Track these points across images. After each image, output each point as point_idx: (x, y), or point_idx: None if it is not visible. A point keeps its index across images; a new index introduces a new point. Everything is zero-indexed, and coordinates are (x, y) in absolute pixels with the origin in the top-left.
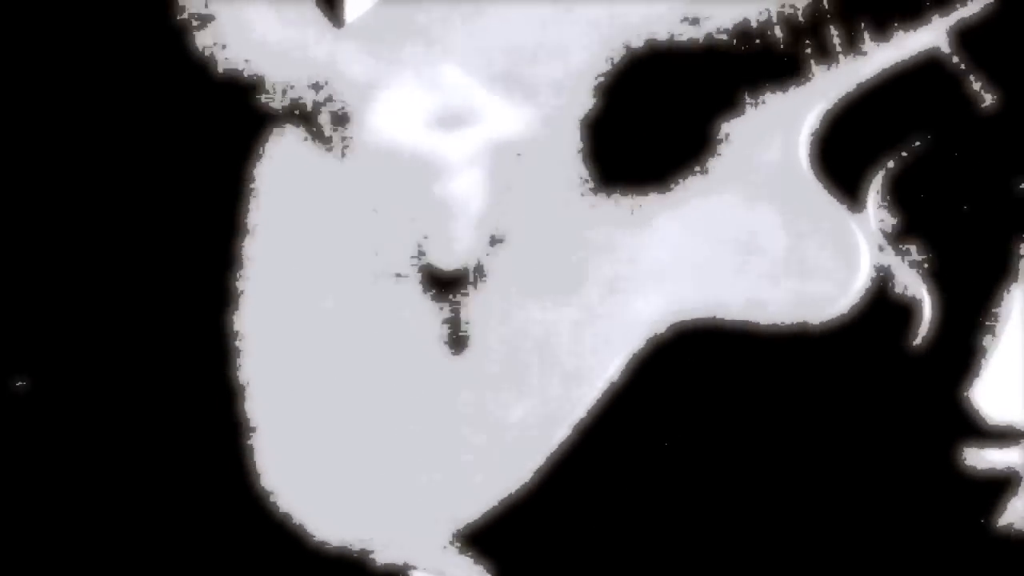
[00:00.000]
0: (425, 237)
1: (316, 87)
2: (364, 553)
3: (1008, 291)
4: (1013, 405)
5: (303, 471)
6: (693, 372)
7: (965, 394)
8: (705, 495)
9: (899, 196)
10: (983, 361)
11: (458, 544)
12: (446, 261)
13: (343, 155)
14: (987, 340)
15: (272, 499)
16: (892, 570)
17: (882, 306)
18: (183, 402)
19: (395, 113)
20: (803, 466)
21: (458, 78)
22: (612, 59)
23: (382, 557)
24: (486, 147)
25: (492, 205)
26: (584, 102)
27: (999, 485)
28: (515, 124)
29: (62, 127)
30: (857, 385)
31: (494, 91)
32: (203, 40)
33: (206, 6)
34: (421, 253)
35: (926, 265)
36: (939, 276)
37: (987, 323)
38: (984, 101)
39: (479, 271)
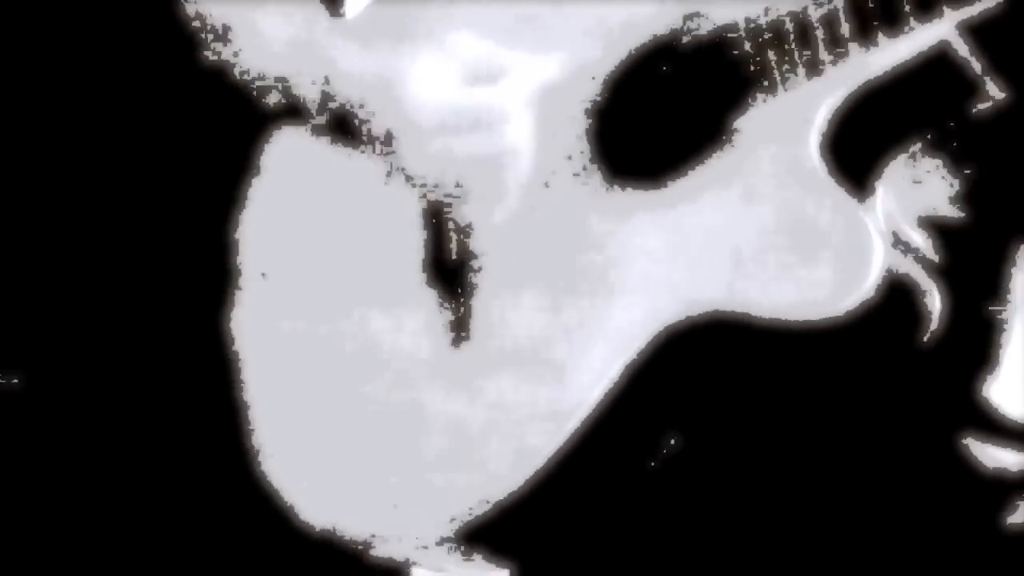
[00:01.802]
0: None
1: (321, 83)
2: (366, 549)
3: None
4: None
5: (305, 469)
6: (703, 368)
7: (980, 392)
8: (712, 493)
9: (908, 189)
10: (998, 359)
11: (459, 541)
12: (491, 217)
13: (346, 152)
14: (1001, 338)
15: (275, 496)
16: (902, 566)
17: (893, 302)
18: (184, 400)
19: (424, 86)
20: (812, 463)
21: (471, 41)
22: (620, 55)
23: (383, 553)
24: (522, 96)
25: (541, 151)
26: (587, 105)
27: (1010, 484)
28: (541, 70)
29: (62, 128)
30: (867, 382)
31: (510, 47)
32: (208, 40)
33: (210, 6)
34: (425, 248)
35: (936, 261)
36: (951, 273)
37: (1000, 321)
38: (994, 96)
39: (483, 268)
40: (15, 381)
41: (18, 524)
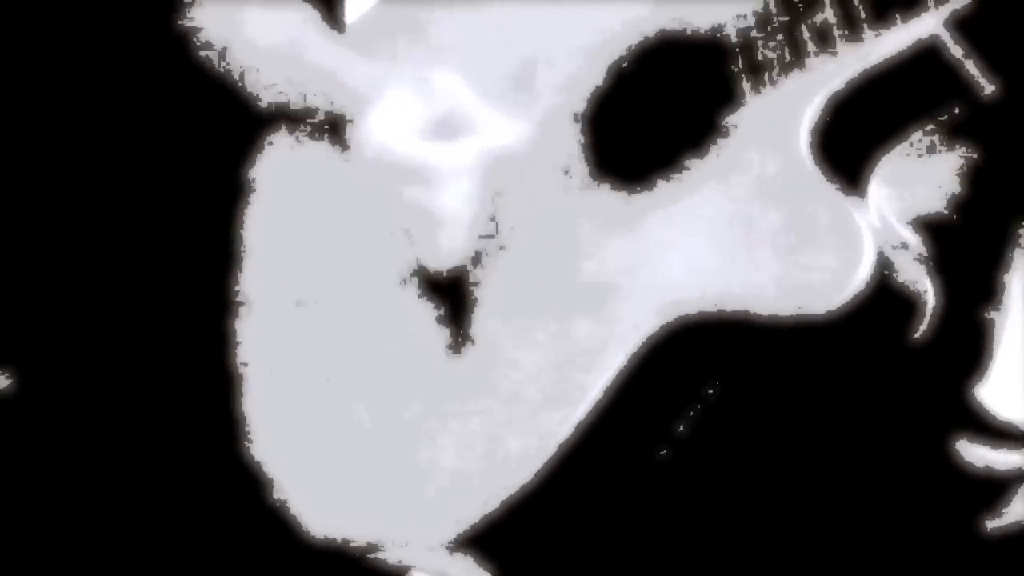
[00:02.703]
0: (415, 243)
1: (314, 90)
2: (366, 553)
3: (1010, 286)
4: (1016, 404)
5: (305, 472)
6: (696, 366)
7: (970, 391)
8: (707, 491)
9: (901, 186)
10: (989, 359)
11: (459, 545)
12: (437, 266)
13: (340, 158)
14: (993, 337)
15: (276, 499)
16: (892, 567)
17: (885, 299)
18: (184, 403)
19: (392, 119)
20: (804, 461)
21: (457, 87)
22: (609, 56)
23: (384, 557)
24: (480, 158)
25: (484, 212)
26: (579, 105)
27: (1000, 485)
28: (509, 135)
29: (61, 130)
30: (859, 379)
31: (491, 101)
32: (203, 43)
33: (205, 10)
34: (418, 256)
35: (928, 257)
36: (944, 270)
37: (992, 320)
38: (984, 89)
39: (477, 273)
40: (9, 380)
41: (17, 525)
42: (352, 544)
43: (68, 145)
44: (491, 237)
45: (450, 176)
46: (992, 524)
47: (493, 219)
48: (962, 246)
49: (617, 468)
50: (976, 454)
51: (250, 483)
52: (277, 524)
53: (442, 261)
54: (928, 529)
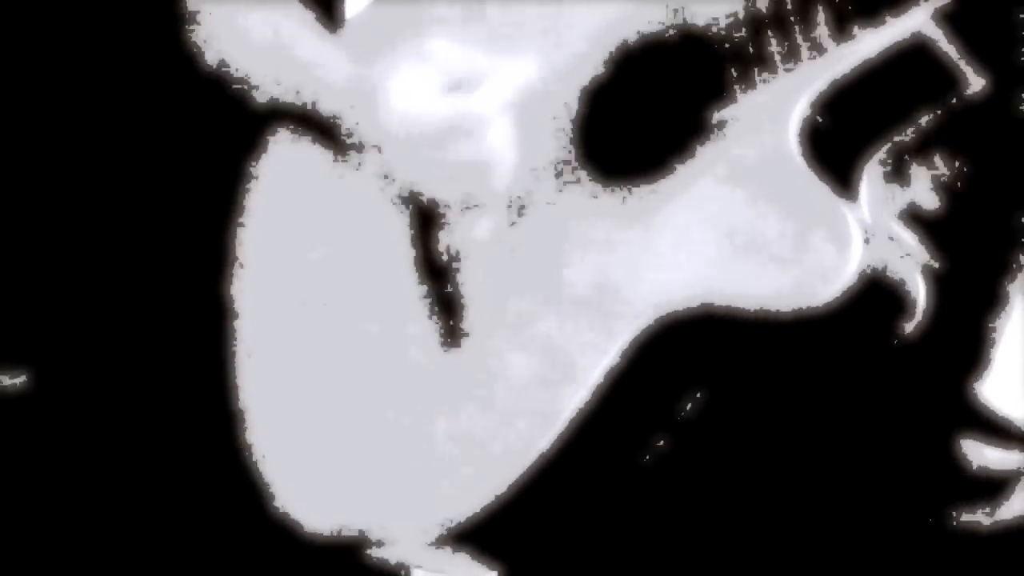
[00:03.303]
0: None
1: (311, 88)
2: (364, 551)
3: (1012, 285)
4: (1016, 401)
5: (301, 470)
6: (691, 364)
7: (970, 390)
8: (705, 488)
9: (892, 183)
10: (989, 356)
11: (455, 541)
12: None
13: (338, 155)
14: (993, 335)
15: (272, 497)
16: (892, 564)
17: (880, 296)
18: (182, 401)
19: (406, 94)
20: (803, 458)
21: (450, 48)
22: (604, 54)
23: (381, 554)
24: (502, 101)
25: (527, 152)
26: (572, 96)
27: (999, 482)
28: (520, 75)
29: (61, 130)
30: (855, 376)
31: (492, 51)
32: (203, 42)
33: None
34: (417, 253)
35: (921, 254)
36: (942, 268)
37: (992, 318)
38: (972, 86)
39: (475, 267)
40: (20, 380)
41: (18, 525)
42: (348, 541)
43: (67, 146)
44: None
45: (483, 121)
46: (992, 521)
47: (532, 163)
48: (959, 243)
49: (613, 463)
50: (976, 451)
51: (247, 480)
52: (275, 522)
53: (487, 217)
54: (928, 526)
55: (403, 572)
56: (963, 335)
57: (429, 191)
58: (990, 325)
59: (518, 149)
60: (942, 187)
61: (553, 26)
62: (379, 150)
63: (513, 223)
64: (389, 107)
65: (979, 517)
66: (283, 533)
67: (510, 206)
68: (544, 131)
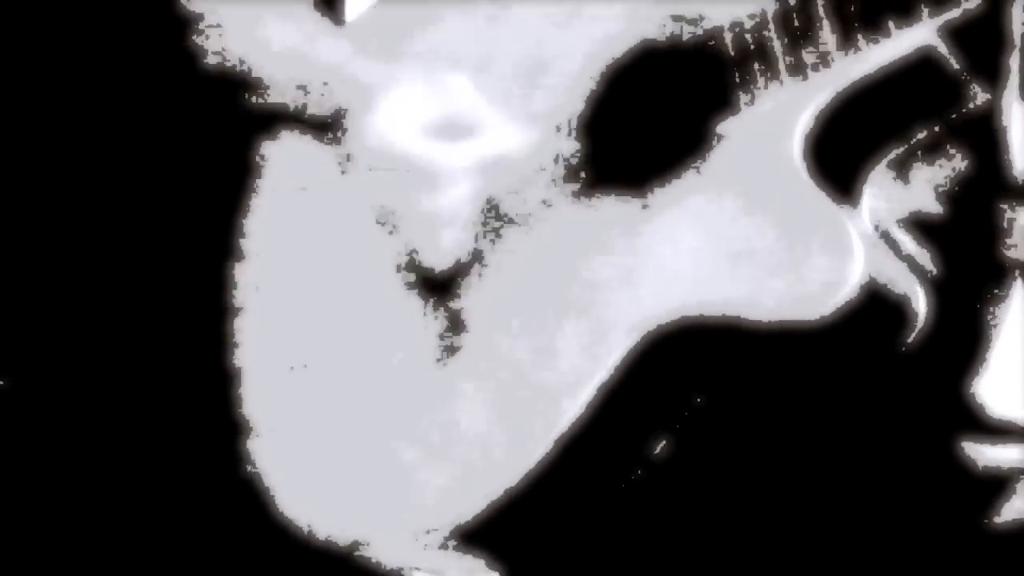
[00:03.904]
0: (411, 241)
1: (317, 88)
2: (363, 553)
3: (1008, 287)
4: (1014, 401)
5: (301, 471)
6: (689, 372)
7: (968, 389)
8: (701, 496)
9: (894, 193)
10: (986, 357)
11: (455, 542)
12: (435, 265)
13: (341, 156)
14: (990, 336)
15: (271, 499)
16: (893, 565)
17: (879, 303)
18: (183, 403)
19: (398, 116)
20: (804, 460)
21: (463, 87)
22: (607, 63)
23: (381, 557)
24: (482, 160)
25: (481, 215)
26: (579, 108)
27: (999, 482)
28: (512, 139)
29: (64, 129)
30: (854, 382)
31: (493, 102)
32: (206, 41)
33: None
34: (414, 256)
35: (923, 261)
36: (939, 271)
37: (989, 319)
38: (977, 98)
39: (473, 274)
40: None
41: (13, 526)
42: (345, 544)
43: (69, 147)
44: (489, 239)
45: (450, 176)
46: (993, 521)
47: (490, 223)
48: (958, 245)
49: (606, 470)
50: (976, 451)
51: (244, 483)
52: (272, 524)
53: (438, 260)
54: (929, 526)
55: (402, 574)
56: (961, 336)
57: (384, 216)
58: (988, 326)
59: (474, 211)
60: (943, 194)
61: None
62: (359, 159)
63: (509, 232)
64: (372, 124)
65: (981, 517)
66: (282, 536)
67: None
68: (522, 187)
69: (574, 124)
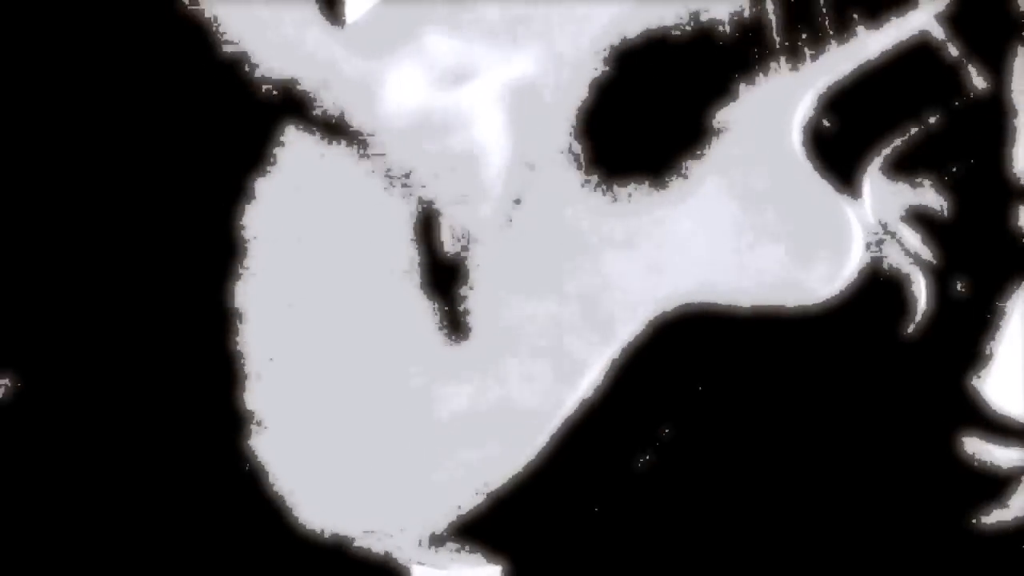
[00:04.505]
0: (447, 197)
1: (317, 85)
2: (364, 547)
3: (1014, 282)
4: (1016, 398)
5: (303, 465)
6: (688, 360)
7: (970, 385)
8: (702, 483)
9: (895, 181)
10: (989, 352)
11: (456, 537)
12: (478, 215)
13: (348, 151)
14: (993, 331)
15: (272, 493)
16: (893, 562)
17: (881, 293)
18: (185, 400)
19: (399, 90)
20: (804, 456)
21: (442, 42)
22: (604, 51)
23: (382, 551)
24: (495, 93)
25: (518, 148)
26: (579, 100)
27: (1000, 480)
28: (516, 66)
29: (67, 129)
30: (856, 373)
31: (487, 44)
32: (210, 38)
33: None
34: (421, 242)
35: (923, 252)
36: (942, 265)
37: (993, 314)
38: (977, 85)
39: (475, 263)
40: (10, 382)
41: (16, 526)
42: (349, 537)
43: (74, 146)
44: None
45: (473, 115)
46: (994, 519)
47: (527, 158)
48: (961, 240)
49: (609, 462)
50: (977, 449)
51: (247, 477)
52: (276, 519)
53: (484, 209)
54: (930, 524)
55: (403, 569)
56: (964, 332)
57: (423, 186)
58: (991, 322)
59: (510, 144)
60: (945, 186)
61: (553, 24)
62: (376, 144)
63: (512, 220)
64: (384, 101)
65: (984, 516)
66: (285, 529)
67: (511, 201)
68: (542, 126)
69: (573, 117)
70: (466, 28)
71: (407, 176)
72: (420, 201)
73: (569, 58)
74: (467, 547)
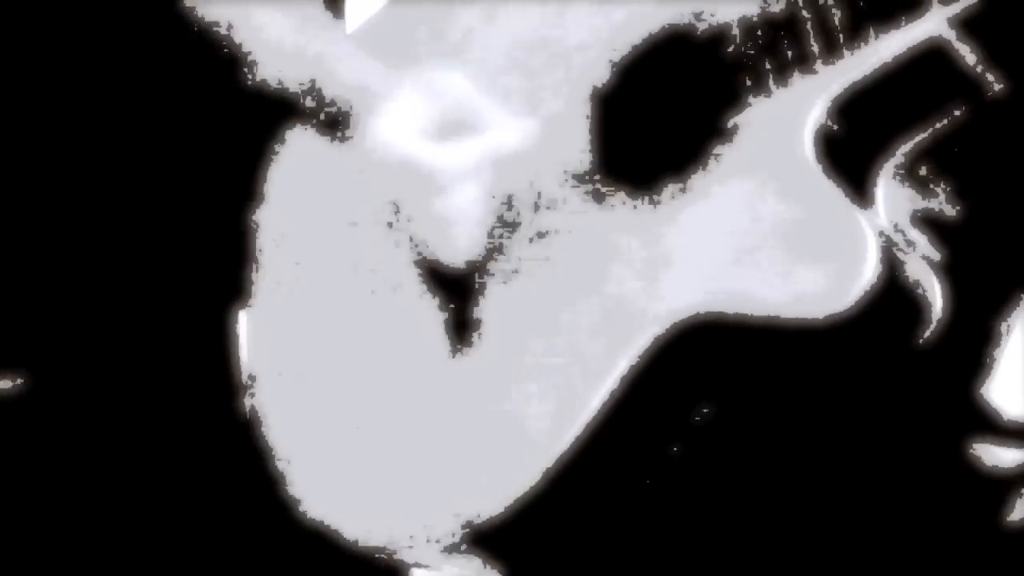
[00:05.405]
0: (423, 242)
1: (321, 89)
2: (374, 550)
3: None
4: (1019, 401)
5: (315, 470)
6: (701, 368)
7: (978, 390)
8: (713, 491)
9: (910, 187)
10: (997, 357)
11: (468, 544)
12: (448, 262)
13: (348, 157)
14: (1001, 336)
15: (288, 497)
16: (901, 565)
17: (892, 300)
18: (195, 403)
19: (398, 120)
20: (812, 460)
21: (462, 87)
22: (615, 57)
23: (392, 555)
24: (487, 157)
25: (492, 213)
26: (584, 105)
27: (1009, 482)
28: (516, 135)
29: (68, 129)
30: (867, 380)
31: (497, 100)
32: (216, 38)
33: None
34: (425, 252)
35: (937, 258)
36: (952, 270)
37: (1001, 319)
38: (991, 89)
39: (487, 271)
40: (19, 381)
41: (22, 526)
42: (359, 543)
43: (80, 146)
44: (502, 237)
45: (457, 177)
46: (1003, 522)
47: (502, 220)
48: (970, 245)
49: (627, 469)
50: (985, 453)
51: (260, 482)
52: (286, 523)
53: (451, 258)
54: (938, 528)
55: (404, 571)
56: (972, 336)
57: (408, 220)
58: (998, 327)
59: (488, 210)
60: (956, 192)
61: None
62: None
63: (524, 229)
64: (379, 127)
65: (990, 518)
66: (300, 535)
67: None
68: (532, 182)
69: (583, 123)
70: (470, 67)
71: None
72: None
73: (569, 123)
74: (480, 556)
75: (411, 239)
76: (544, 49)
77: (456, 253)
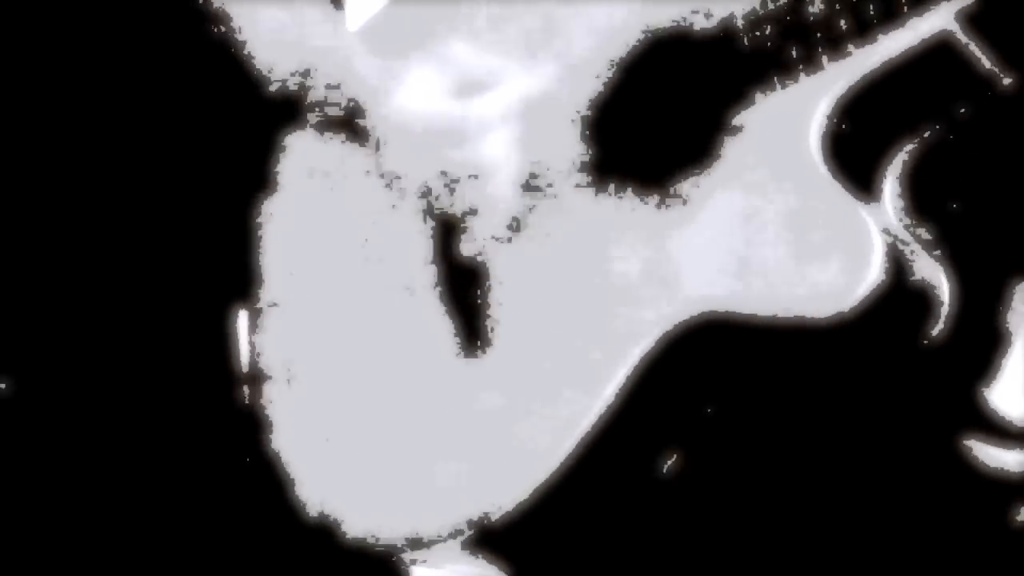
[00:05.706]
0: (461, 201)
1: (331, 84)
2: (372, 548)
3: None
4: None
5: (319, 469)
6: (707, 367)
7: (983, 392)
8: (721, 491)
9: (915, 185)
10: (1002, 360)
11: (471, 544)
12: (492, 222)
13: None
14: (1007, 338)
15: (294, 495)
16: (905, 565)
17: (899, 298)
18: (202, 403)
19: (417, 93)
20: (817, 460)
21: (467, 52)
22: (620, 54)
23: (399, 554)
24: (512, 106)
25: (527, 161)
26: (591, 102)
27: (1012, 484)
28: (535, 80)
29: (78, 128)
30: (872, 380)
31: (508, 56)
32: (222, 35)
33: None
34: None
35: (943, 257)
36: (958, 271)
37: (1006, 321)
38: (1000, 82)
39: (495, 269)
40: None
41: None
42: (359, 539)
43: (86, 144)
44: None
45: (486, 127)
46: (1009, 522)
47: (530, 184)
48: (975, 244)
49: (624, 470)
50: (988, 454)
51: (267, 483)
52: (292, 522)
53: (496, 214)
54: (941, 528)
55: (404, 569)
56: (975, 337)
57: (436, 196)
58: (1001, 327)
59: (523, 156)
60: (959, 189)
61: (570, 35)
62: (387, 147)
63: (525, 232)
64: (398, 104)
65: (996, 518)
66: (304, 532)
67: (521, 212)
68: (556, 139)
69: (587, 122)
70: (484, 37)
71: (420, 185)
72: (433, 210)
73: (584, 69)
74: (484, 556)
75: (435, 216)
76: (548, 47)
77: (491, 214)
